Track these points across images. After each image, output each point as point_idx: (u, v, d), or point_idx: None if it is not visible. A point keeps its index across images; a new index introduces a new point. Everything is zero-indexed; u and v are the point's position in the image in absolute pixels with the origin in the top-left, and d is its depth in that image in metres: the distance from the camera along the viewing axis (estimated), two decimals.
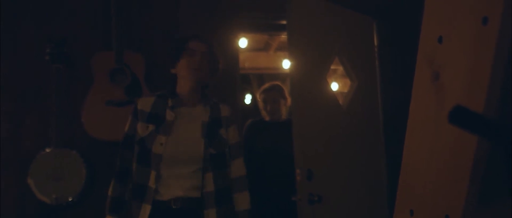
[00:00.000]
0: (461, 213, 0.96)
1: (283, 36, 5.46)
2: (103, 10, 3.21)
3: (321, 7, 2.92)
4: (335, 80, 6.22)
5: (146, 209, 2.17)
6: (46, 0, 3.23)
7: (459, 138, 0.96)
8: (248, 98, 7.47)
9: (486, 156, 0.93)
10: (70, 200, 2.93)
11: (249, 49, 5.73)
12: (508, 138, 0.81)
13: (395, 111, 3.25)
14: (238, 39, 3.83)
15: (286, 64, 6.37)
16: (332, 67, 3.21)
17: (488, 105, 0.89)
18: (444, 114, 0.91)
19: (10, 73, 3.13)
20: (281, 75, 5.94)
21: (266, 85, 3.75)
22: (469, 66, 0.94)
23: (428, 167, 1.08)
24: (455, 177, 0.98)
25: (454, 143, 0.98)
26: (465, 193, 0.95)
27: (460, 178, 0.96)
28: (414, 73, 1.12)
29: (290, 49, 2.74)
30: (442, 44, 1.03)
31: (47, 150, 2.96)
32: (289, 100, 3.59)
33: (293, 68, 2.73)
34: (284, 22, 3.80)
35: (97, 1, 3.26)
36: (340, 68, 3.21)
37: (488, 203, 1.01)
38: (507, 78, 0.88)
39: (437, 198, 1.04)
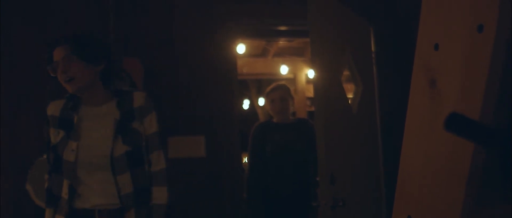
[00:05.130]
0: None
1: (280, 42, 5.47)
2: (100, 16, 3.21)
3: (336, 12, 2.91)
4: None
5: None
6: (45, 4, 3.23)
7: (456, 144, 0.97)
8: (246, 104, 7.46)
9: (482, 162, 0.94)
10: None
11: (247, 55, 5.74)
12: (505, 144, 0.81)
13: (392, 116, 3.26)
14: (236, 45, 3.83)
15: (284, 70, 6.38)
16: None
17: (484, 112, 0.90)
18: (441, 121, 0.92)
19: (8, 76, 3.12)
20: (278, 81, 5.95)
21: (273, 85, 3.69)
22: (465, 73, 0.95)
23: (425, 172, 1.08)
24: (452, 183, 0.99)
25: (451, 149, 0.99)
26: (462, 199, 0.96)
27: (457, 183, 0.97)
28: (411, 80, 1.13)
29: (313, 56, 2.70)
30: (438, 51, 1.03)
31: (45, 156, 2.95)
32: (295, 100, 3.58)
33: (317, 74, 2.70)
34: (282, 28, 3.81)
35: (94, 7, 3.27)
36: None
37: (485, 209, 1.01)
38: (503, 85, 0.89)
39: (434, 203, 1.05)
